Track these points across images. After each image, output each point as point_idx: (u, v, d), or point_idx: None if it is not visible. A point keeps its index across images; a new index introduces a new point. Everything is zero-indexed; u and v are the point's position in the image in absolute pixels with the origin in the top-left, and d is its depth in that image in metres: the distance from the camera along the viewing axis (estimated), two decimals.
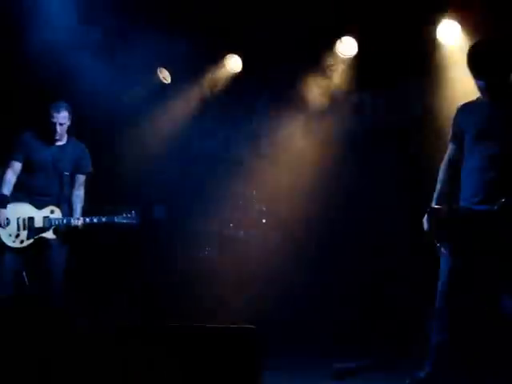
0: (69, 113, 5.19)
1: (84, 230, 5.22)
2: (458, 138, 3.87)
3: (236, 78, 7.27)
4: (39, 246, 5.17)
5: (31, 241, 5.09)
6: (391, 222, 5.76)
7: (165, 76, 7.53)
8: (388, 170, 6.02)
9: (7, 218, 5.03)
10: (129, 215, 5.24)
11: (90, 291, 6.78)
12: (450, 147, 3.95)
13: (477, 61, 3.59)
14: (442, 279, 3.70)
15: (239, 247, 6.32)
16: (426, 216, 3.73)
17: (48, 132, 5.16)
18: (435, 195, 3.91)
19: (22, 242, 5.05)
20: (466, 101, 3.87)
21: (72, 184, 5.28)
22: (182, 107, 7.40)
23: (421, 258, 5.30)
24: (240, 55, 7.12)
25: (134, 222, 5.27)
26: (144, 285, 6.53)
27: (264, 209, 6.42)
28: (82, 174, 5.33)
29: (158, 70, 7.49)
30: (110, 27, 6.26)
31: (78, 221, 5.14)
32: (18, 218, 5.08)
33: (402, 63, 6.14)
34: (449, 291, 3.65)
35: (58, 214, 5.16)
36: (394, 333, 5.36)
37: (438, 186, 3.92)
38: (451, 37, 5.64)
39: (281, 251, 6.21)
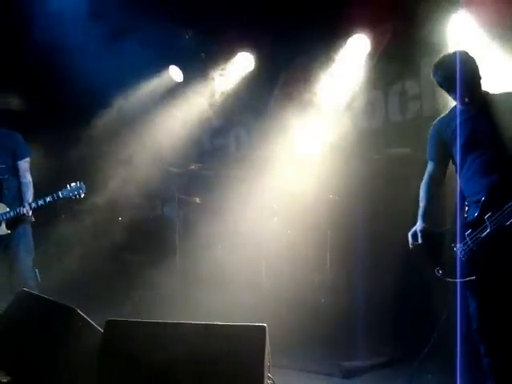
0: None
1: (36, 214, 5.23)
2: (438, 155, 3.93)
3: (248, 76, 7.28)
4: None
5: None
6: (406, 218, 5.73)
7: (176, 74, 7.57)
8: (403, 169, 5.98)
9: None
10: (73, 186, 5.17)
11: (101, 291, 6.84)
12: (430, 165, 4.01)
13: (443, 77, 3.75)
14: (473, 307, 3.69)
15: (251, 245, 6.30)
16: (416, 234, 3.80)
17: None
18: (420, 213, 3.95)
19: None
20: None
21: (16, 173, 5.24)
22: (194, 105, 7.42)
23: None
24: (252, 53, 7.12)
25: (80, 191, 5.19)
26: (157, 284, 6.55)
27: (275, 207, 6.40)
28: (22, 160, 5.25)
29: (170, 68, 7.53)
30: (121, 24, 6.28)
31: (24, 209, 5.08)
32: None
33: (414, 60, 6.12)
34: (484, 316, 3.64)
35: (2, 208, 5.12)
36: (403, 332, 5.34)
37: (422, 204, 3.96)
38: (464, 31, 5.58)
39: (293, 250, 6.19)
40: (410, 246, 3.98)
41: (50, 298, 4.01)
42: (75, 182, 5.18)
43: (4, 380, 3.64)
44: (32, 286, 5.14)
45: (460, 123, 3.76)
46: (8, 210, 5.13)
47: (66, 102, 7.40)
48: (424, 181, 4.03)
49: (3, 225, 5.11)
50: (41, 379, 3.50)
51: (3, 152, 5.18)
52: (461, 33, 5.56)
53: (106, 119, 7.64)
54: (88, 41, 6.34)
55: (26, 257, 5.28)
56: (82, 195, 5.24)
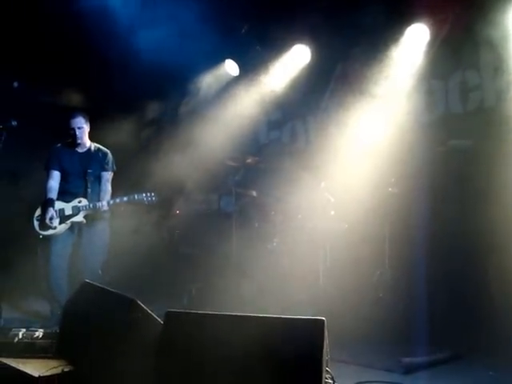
0: (83, 117, 5.96)
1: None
2: None
3: (304, 69, 7.24)
4: (77, 230, 5.89)
5: (63, 225, 5.84)
6: (469, 212, 5.61)
7: (232, 68, 7.59)
8: (465, 161, 5.84)
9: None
10: (148, 194, 5.89)
11: (158, 283, 6.94)
12: None
13: None
14: None
15: (307, 239, 6.26)
16: None
17: (72, 140, 5.95)
18: None
19: (54, 228, 5.81)
20: None
21: (99, 181, 6.01)
22: (250, 99, 7.43)
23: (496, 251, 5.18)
24: (308, 45, 7.07)
25: (154, 199, 5.92)
26: (213, 277, 6.59)
27: (332, 200, 6.34)
28: (106, 172, 6.07)
29: (226, 62, 7.55)
30: (178, 19, 6.33)
31: (100, 203, 5.85)
32: None
33: (474, 49, 5.97)
34: None
35: (84, 202, 5.88)
36: (463, 329, 5.22)
37: None
38: None
39: (350, 244, 6.13)
40: None
41: (112, 290, 4.08)
42: (149, 192, 5.92)
43: (66, 369, 3.72)
44: (97, 268, 5.87)
45: None
46: (88, 203, 5.87)
47: (126, 97, 7.53)
48: None
49: (81, 213, 5.84)
50: (101, 369, 3.55)
51: (95, 162, 6.03)
52: None
53: (164, 114, 7.75)
54: (144, 36, 6.41)
55: (96, 256, 5.94)
56: (154, 203, 6.03)
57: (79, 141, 5.93)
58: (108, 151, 6.15)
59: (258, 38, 7.18)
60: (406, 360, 4.72)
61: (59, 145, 6.05)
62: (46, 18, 6.59)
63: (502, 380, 4.34)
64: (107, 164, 6.06)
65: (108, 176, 6.06)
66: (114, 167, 6.14)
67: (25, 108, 6.91)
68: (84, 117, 5.95)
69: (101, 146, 6.15)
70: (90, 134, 6.08)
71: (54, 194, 5.90)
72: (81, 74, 7.50)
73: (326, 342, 3.15)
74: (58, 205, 5.86)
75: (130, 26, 6.39)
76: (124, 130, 7.39)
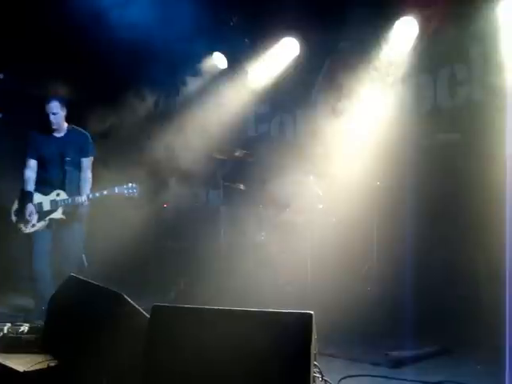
0: (60, 102, 5.75)
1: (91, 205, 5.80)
2: None
3: (293, 62, 7.21)
4: (55, 226, 5.73)
5: (42, 223, 5.69)
6: (456, 205, 5.62)
7: (220, 61, 7.56)
8: (452, 155, 5.85)
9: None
10: (129, 186, 5.69)
11: (146, 278, 6.92)
12: None
13: None
14: None
15: (295, 233, 6.25)
16: None
17: (48, 125, 5.74)
18: None
19: (33, 225, 5.65)
20: None
21: (79, 168, 5.79)
22: (238, 92, 7.41)
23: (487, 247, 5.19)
24: (297, 38, 7.05)
25: (135, 191, 5.71)
26: (201, 271, 6.57)
27: (321, 194, 6.33)
28: (86, 158, 5.82)
29: (214, 55, 7.53)
30: (166, 11, 6.28)
31: (81, 197, 5.64)
32: None
33: (464, 43, 5.97)
34: None
35: (63, 195, 5.69)
36: (451, 322, 5.23)
37: None
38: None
39: (338, 238, 6.12)
40: None
41: (98, 284, 4.04)
42: (131, 183, 5.70)
43: (52, 364, 3.69)
44: (78, 266, 5.75)
45: None
46: (67, 197, 5.68)
47: (114, 88, 7.50)
48: None
49: (60, 209, 5.67)
50: (87, 364, 3.52)
51: (73, 148, 5.77)
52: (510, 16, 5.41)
53: (151, 107, 7.71)
54: (134, 27, 6.37)
55: (78, 241, 5.84)
56: (136, 195, 5.76)
57: (54, 126, 5.74)
58: (88, 134, 5.93)
59: (246, 31, 7.14)
60: (394, 354, 4.73)
61: (35, 131, 5.85)
62: (33, 9, 6.52)
63: (490, 374, 4.34)
64: (86, 148, 5.84)
65: (88, 162, 5.85)
66: (95, 152, 5.91)
67: (11, 100, 6.87)
68: (60, 101, 5.76)
69: (80, 129, 5.94)
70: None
71: (31, 186, 5.73)
72: (68, 64, 7.43)
73: (314, 335, 3.14)
74: (37, 198, 5.70)
75: (116, 14, 6.32)
76: (111, 121, 7.34)
